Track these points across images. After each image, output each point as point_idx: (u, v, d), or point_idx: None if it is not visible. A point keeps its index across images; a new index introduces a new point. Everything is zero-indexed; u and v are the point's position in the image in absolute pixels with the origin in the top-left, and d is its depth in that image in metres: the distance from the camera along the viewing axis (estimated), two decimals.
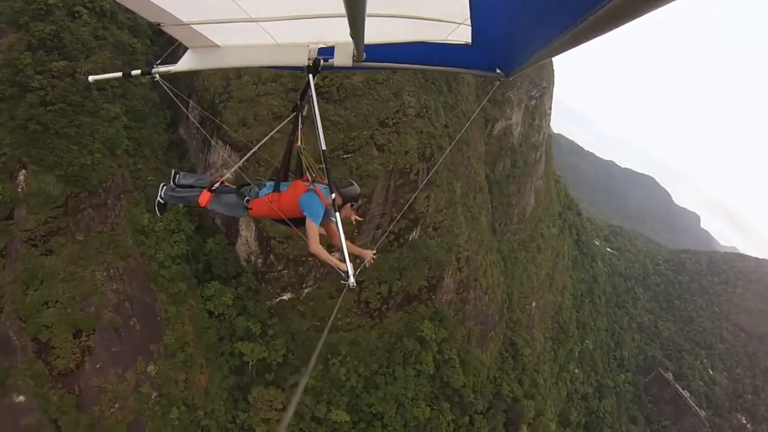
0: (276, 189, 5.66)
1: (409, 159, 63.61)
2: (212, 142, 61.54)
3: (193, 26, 4.21)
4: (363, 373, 63.51)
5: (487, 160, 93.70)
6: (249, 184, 5.89)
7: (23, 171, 45.44)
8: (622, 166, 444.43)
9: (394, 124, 63.25)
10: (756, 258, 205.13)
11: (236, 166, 6.08)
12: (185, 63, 4.92)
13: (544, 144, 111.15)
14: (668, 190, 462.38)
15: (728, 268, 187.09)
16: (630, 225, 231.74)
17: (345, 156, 59.71)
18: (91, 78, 5.77)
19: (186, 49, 4.91)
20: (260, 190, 5.81)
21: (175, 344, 52.17)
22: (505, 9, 3.26)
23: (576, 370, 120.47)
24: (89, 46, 51.96)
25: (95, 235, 48.85)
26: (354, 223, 6.17)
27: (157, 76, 5.21)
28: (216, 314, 56.75)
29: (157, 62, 5.29)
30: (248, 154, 6.53)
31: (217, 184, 5.96)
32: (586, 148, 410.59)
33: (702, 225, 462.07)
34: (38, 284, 44.63)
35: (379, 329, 66.56)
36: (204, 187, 6.00)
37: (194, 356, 53.44)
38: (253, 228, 60.05)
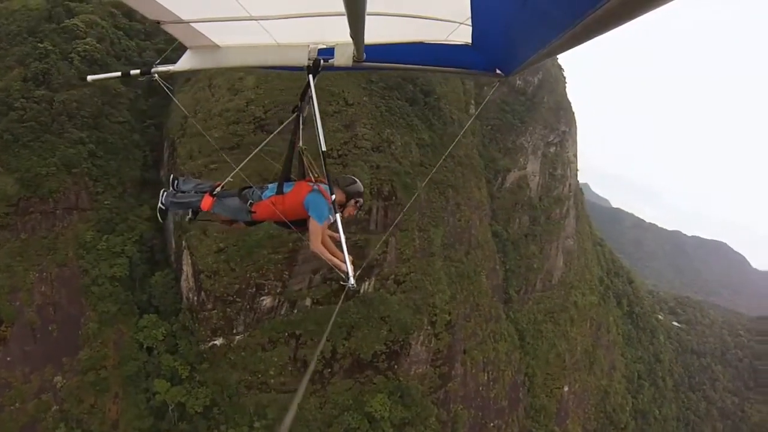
0: (279, 191, 5.07)
1: None
2: (169, 178, 55.84)
3: (192, 24, 3.82)
4: None
5: (499, 217, 76.36)
6: (250, 187, 5.34)
7: None
8: (689, 234, 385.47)
9: (339, 155, 50.65)
10: None
11: (237, 169, 5.14)
12: (184, 63, 4.49)
13: (571, 198, 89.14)
14: (744, 254, 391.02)
15: None
16: (704, 298, 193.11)
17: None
18: (89, 78, 5.27)
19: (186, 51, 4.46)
20: (262, 192, 5.22)
21: (88, 363, 48.76)
22: (506, 9, 3.00)
23: None
24: (71, 83, 55.85)
25: (38, 239, 50.24)
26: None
27: (156, 75, 4.74)
28: (145, 347, 51.55)
29: (157, 61, 4.87)
30: (249, 156, 5.39)
31: (218, 188, 5.36)
32: (647, 221, 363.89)
33: None
34: None
35: (320, 397, 50.09)
36: (205, 192, 5.40)
37: (109, 382, 49.30)
38: (190, 263, 51.56)
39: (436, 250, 56.27)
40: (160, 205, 5.78)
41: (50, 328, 48.74)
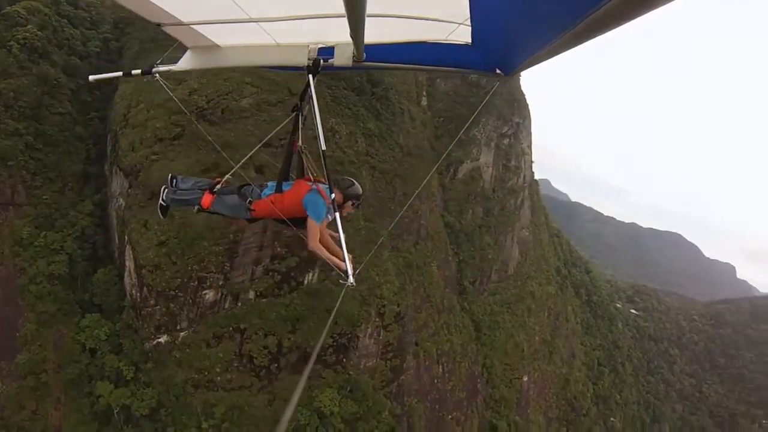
0: (278, 189, 5.09)
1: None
2: (112, 170, 55.90)
3: (193, 26, 3.85)
4: None
5: (451, 208, 75.86)
6: (249, 185, 5.38)
7: None
8: (645, 226, 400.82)
9: (281, 145, 48.82)
10: None
11: (236, 167, 5.24)
12: (185, 63, 4.49)
13: (526, 189, 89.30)
14: (697, 244, 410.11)
15: None
16: (660, 286, 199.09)
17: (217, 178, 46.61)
18: (91, 77, 5.38)
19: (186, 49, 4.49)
20: (262, 190, 5.25)
21: (27, 366, 46.03)
22: (505, 9, 2.95)
23: None
24: (9, 72, 53.23)
25: None
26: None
27: (157, 75, 4.72)
28: (88, 348, 48.88)
29: (158, 61, 4.81)
30: (248, 155, 6.20)
31: (218, 186, 5.39)
32: (605, 214, 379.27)
33: (738, 275, 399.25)
34: None
35: (268, 393, 48.11)
36: (205, 189, 5.42)
37: (50, 387, 46.62)
38: (132, 257, 49.11)
39: (381, 240, 55.04)
40: (161, 201, 5.75)
41: None
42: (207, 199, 5.29)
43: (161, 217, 6.03)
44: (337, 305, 6.08)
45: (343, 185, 5.02)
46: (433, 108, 77.32)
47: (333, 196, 4.36)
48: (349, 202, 5.10)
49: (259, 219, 5.40)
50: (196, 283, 47.55)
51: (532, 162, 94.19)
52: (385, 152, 59.55)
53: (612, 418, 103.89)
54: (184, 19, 3.65)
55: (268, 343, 47.82)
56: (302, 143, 5.15)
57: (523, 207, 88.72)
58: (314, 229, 4.80)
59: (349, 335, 50.13)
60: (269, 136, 6.40)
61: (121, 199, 52.86)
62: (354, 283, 4.09)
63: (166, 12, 3.42)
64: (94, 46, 65.59)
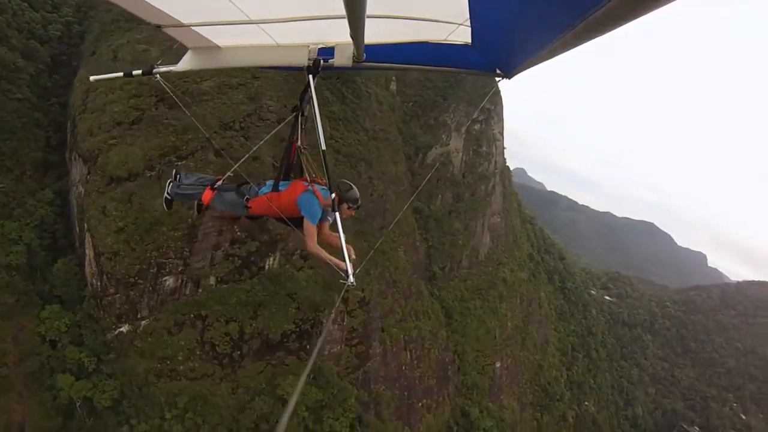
0: (275, 188, 5.13)
1: (261, 168, 47.22)
2: (72, 157, 54.68)
3: (193, 28, 3.88)
4: None
5: (420, 193, 75.57)
6: (248, 183, 5.40)
7: None
8: (619, 216, 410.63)
9: (242, 128, 48.43)
10: None
11: (236, 166, 5.32)
12: (186, 63, 4.53)
13: (497, 175, 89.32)
14: (669, 233, 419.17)
15: (744, 299, 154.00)
16: (634, 273, 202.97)
17: (177, 162, 45.60)
18: (92, 78, 5.59)
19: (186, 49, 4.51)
20: (260, 188, 5.30)
21: None
22: (505, 9, 2.96)
23: None
24: None
25: None
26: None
27: (158, 76, 4.77)
28: (48, 340, 47.91)
29: (158, 62, 4.83)
30: (247, 155, 6.23)
31: (219, 183, 5.51)
32: (580, 203, 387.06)
33: (709, 264, 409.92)
34: None
35: (231, 382, 47.44)
36: (206, 185, 5.54)
37: (11, 381, 45.57)
38: (92, 245, 48.14)
39: (346, 223, 54.30)
40: (166, 195, 5.84)
41: None
42: (207, 195, 5.36)
43: (166, 209, 6.04)
44: (337, 303, 5.93)
45: (342, 188, 4.95)
46: (402, 92, 76.81)
47: (333, 196, 4.36)
48: (346, 205, 5.01)
49: (259, 217, 5.35)
50: (156, 269, 46.72)
51: (504, 148, 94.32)
52: (350, 136, 58.96)
53: (586, 402, 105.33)
54: (184, 21, 3.66)
55: (229, 329, 47.13)
56: (301, 143, 5.10)
57: (495, 193, 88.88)
58: (311, 230, 4.77)
59: (312, 321, 49.49)
60: (268, 137, 6.29)
61: (81, 186, 51.68)
62: (354, 283, 4.04)
63: (166, 14, 3.43)
64: (55, 29, 64.74)
